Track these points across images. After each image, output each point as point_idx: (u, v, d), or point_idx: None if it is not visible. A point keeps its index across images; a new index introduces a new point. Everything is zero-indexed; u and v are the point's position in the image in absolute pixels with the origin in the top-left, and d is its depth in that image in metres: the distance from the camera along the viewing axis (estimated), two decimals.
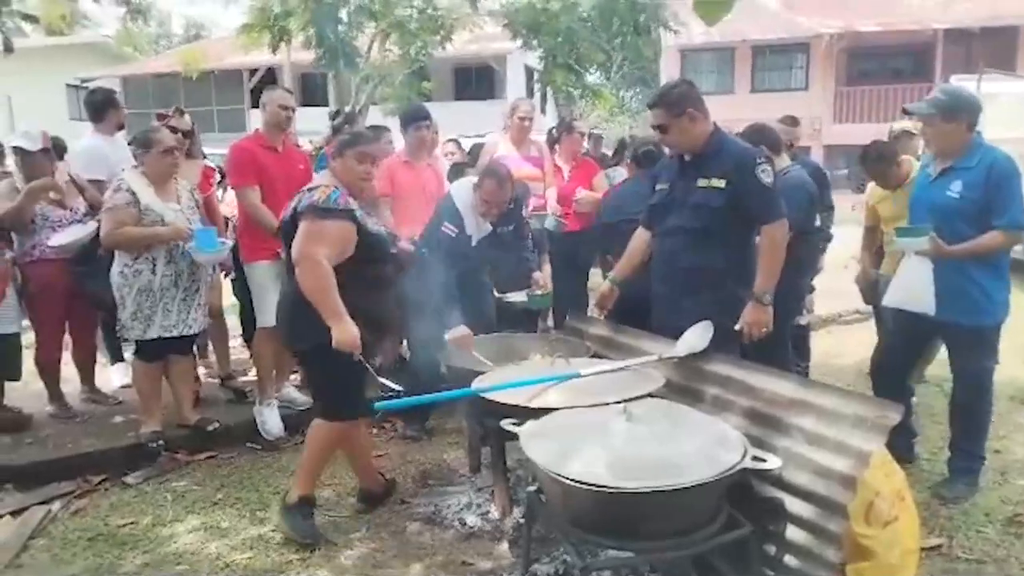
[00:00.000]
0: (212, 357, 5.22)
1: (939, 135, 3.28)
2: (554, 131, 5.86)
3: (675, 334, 3.16)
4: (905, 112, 3.62)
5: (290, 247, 3.02)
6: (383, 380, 3.11)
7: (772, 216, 3.16)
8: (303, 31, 13.60)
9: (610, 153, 7.99)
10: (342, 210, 2.99)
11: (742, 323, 3.12)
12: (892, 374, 3.61)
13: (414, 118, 4.79)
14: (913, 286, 3.32)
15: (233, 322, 5.19)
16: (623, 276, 3.59)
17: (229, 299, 5.09)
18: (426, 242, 4.04)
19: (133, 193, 3.83)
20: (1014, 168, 3.20)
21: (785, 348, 3.91)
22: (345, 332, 2.92)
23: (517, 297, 4.31)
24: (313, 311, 2.94)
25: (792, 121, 5.23)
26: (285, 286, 3.26)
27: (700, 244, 3.22)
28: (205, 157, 5.10)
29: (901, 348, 3.62)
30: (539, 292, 4.24)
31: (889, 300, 3.45)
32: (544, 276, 4.43)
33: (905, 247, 3.38)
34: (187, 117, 4.63)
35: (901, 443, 3.75)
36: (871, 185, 4.42)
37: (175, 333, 3.96)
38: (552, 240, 5.01)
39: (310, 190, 3.07)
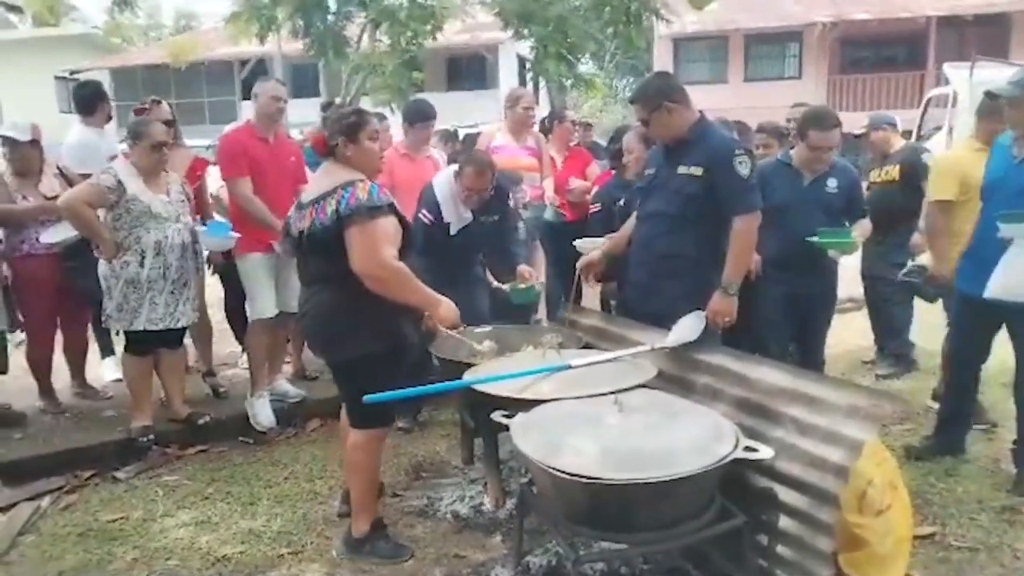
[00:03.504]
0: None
1: None
2: (546, 121, 5.83)
3: (648, 319, 3.19)
4: (988, 95, 3.34)
5: (320, 254, 2.79)
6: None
7: (744, 207, 3.17)
8: (290, 19, 13.48)
9: (604, 142, 7.96)
10: (388, 204, 2.77)
11: (708, 311, 3.13)
12: (968, 366, 3.56)
13: (423, 117, 4.85)
14: (1019, 275, 3.09)
15: (219, 316, 5.13)
16: (611, 250, 3.65)
17: (216, 293, 5.03)
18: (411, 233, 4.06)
19: (120, 182, 3.79)
20: None
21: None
22: (447, 310, 2.90)
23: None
24: (354, 321, 2.77)
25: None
26: (319, 295, 2.89)
27: (676, 230, 3.26)
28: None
29: (974, 338, 3.52)
30: (522, 286, 4.07)
31: (993, 291, 3.19)
32: (536, 267, 4.38)
33: (1013, 233, 3.10)
34: (165, 106, 4.56)
35: (957, 435, 3.65)
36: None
37: (161, 326, 3.92)
38: (550, 231, 4.99)
39: (344, 188, 2.74)
